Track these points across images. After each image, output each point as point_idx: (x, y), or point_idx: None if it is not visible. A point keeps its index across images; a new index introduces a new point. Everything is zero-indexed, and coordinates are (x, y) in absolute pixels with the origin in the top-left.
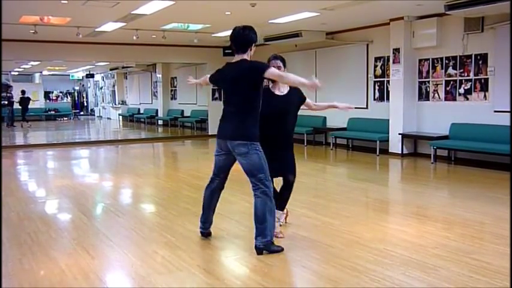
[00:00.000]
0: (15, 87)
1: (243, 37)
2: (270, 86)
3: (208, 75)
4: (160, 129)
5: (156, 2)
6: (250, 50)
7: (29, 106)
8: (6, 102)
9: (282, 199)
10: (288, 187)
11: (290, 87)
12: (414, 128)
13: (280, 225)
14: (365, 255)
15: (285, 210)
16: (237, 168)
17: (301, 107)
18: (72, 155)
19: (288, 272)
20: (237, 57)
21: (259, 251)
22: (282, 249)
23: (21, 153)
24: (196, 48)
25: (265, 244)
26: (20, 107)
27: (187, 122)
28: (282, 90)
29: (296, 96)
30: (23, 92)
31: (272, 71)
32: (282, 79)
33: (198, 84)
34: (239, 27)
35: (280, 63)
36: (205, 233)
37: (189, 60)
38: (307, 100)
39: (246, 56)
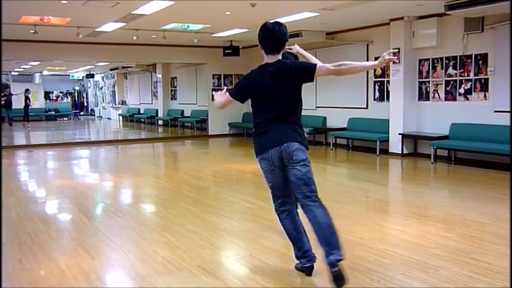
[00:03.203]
0: (16, 87)
1: (279, 34)
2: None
3: (224, 93)
4: (160, 129)
5: (156, 2)
6: (283, 49)
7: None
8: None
9: None
10: None
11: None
12: (414, 128)
13: None
14: (365, 255)
15: None
16: (237, 168)
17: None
18: (72, 155)
19: (288, 272)
20: (269, 59)
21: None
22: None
23: (21, 153)
24: (197, 48)
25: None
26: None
27: (187, 122)
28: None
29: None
30: (27, 90)
31: (323, 68)
32: (340, 72)
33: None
34: (271, 23)
35: None
36: (310, 266)
37: (189, 60)
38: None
39: (280, 56)
